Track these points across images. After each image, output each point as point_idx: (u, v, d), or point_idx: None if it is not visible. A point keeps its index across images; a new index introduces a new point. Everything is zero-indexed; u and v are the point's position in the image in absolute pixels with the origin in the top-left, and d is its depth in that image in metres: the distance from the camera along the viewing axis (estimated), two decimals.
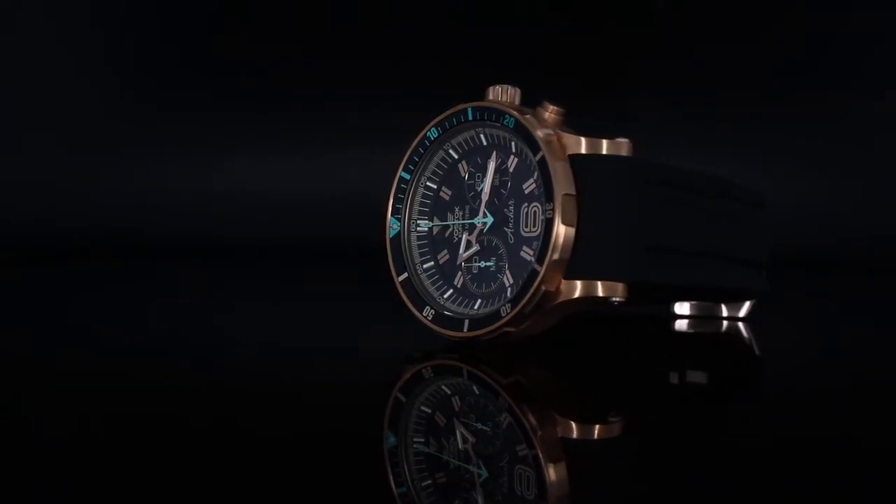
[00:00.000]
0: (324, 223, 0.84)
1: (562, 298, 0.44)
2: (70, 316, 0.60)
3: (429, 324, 0.47)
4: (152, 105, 0.87)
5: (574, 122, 0.45)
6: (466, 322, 0.46)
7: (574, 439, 0.37)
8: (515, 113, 0.45)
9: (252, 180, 0.85)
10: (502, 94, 0.46)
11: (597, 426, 0.38)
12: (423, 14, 0.86)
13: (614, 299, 0.43)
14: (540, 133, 0.44)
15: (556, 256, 0.43)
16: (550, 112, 0.45)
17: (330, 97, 0.87)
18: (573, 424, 0.38)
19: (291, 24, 0.87)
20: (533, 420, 0.39)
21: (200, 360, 0.49)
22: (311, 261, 0.81)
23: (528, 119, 0.45)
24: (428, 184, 0.49)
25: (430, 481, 0.32)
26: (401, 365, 0.46)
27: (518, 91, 0.46)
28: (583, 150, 0.44)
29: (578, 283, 0.43)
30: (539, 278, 0.43)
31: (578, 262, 0.43)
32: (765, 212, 0.53)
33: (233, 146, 0.86)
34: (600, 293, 0.43)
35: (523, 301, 0.43)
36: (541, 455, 0.34)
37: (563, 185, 0.43)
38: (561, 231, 0.43)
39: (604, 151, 0.44)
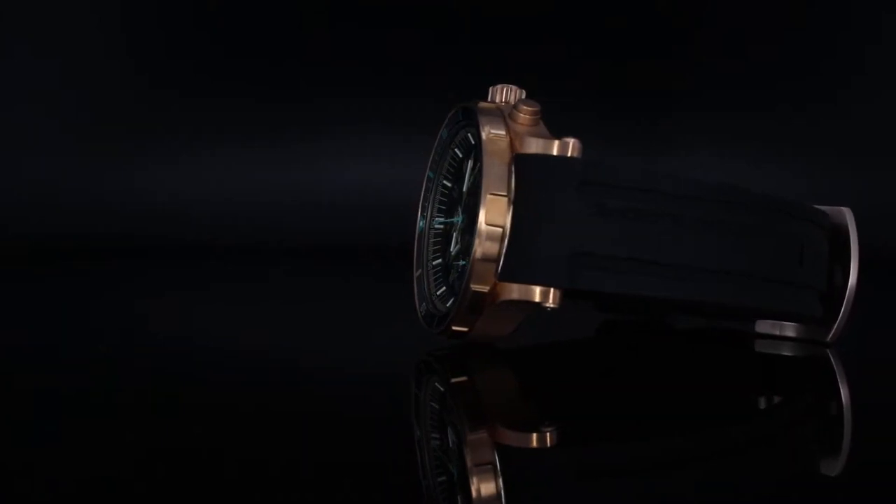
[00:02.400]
0: (325, 225, 0.84)
1: (499, 300, 0.43)
2: (65, 317, 0.59)
3: (421, 319, 0.48)
4: (151, 105, 0.87)
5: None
6: (436, 319, 0.46)
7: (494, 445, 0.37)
8: (477, 114, 0.45)
9: (250, 181, 0.85)
10: (499, 94, 0.46)
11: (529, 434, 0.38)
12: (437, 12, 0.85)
13: (545, 305, 0.42)
14: (484, 134, 0.44)
15: (478, 256, 0.43)
16: (523, 112, 0.44)
17: (334, 97, 0.86)
18: (501, 430, 0.39)
19: (290, 25, 0.86)
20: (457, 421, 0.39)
21: (191, 360, 0.49)
22: (313, 262, 0.81)
23: (483, 119, 0.45)
24: (444, 182, 0.49)
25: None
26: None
27: (516, 90, 0.46)
28: (530, 150, 0.43)
29: (507, 286, 0.43)
30: (466, 278, 0.43)
31: (511, 264, 0.43)
32: (824, 231, 0.49)
33: (231, 147, 0.86)
34: (526, 297, 0.43)
35: (458, 300, 0.44)
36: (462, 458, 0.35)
37: (492, 184, 0.43)
38: (483, 231, 0.43)
39: (544, 151, 0.43)
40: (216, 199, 0.84)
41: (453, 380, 0.46)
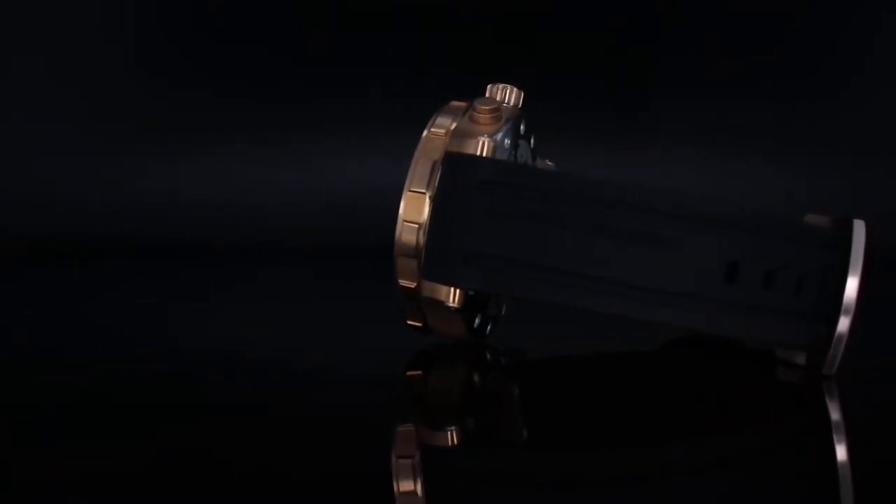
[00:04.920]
0: (325, 225, 0.84)
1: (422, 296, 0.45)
2: (65, 317, 0.59)
3: None
4: (151, 105, 0.86)
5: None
6: None
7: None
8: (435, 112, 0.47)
9: (250, 181, 0.85)
10: (488, 93, 0.47)
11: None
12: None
13: (447, 304, 0.43)
14: (425, 131, 0.45)
15: (399, 251, 0.44)
16: (478, 111, 0.45)
17: (334, 97, 0.86)
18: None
19: (290, 25, 0.86)
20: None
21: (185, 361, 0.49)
22: (313, 262, 0.81)
23: (435, 117, 0.46)
24: None
25: None
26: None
27: (509, 89, 0.47)
28: (455, 149, 0.44)
29: (425, 283, 0.44)
30: (396, 273, 0.45)
31: (426, 261, 0.44)
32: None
33: (231, 146, 0.86)
34: (433, 295, 0.44)
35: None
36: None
37: (413, 181, 0.45)
38: (400, 226, 0.44)
39: (461, 150, 0.44)
40: (216, 199, 0.84)
41: (408, 373, 0.47)
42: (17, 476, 0.34)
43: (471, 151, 0.44)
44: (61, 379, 0.45)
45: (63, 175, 0.84)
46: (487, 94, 0.47)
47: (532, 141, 0.49)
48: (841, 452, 0.39)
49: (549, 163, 0.52)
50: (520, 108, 0.48)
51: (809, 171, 0.84)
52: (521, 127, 0.48)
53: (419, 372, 0.48)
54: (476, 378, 0.48)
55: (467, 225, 0.43)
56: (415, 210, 0.44)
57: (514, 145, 0.47)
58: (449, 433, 0.40)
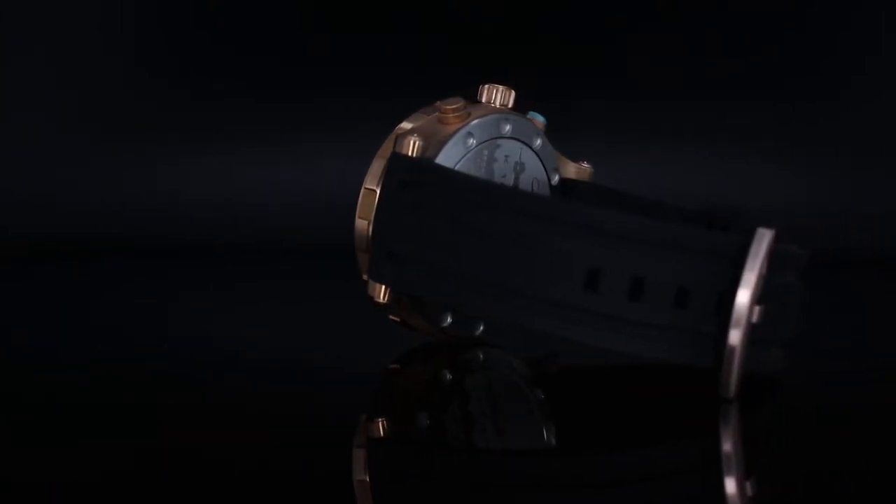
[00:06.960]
0: (325, 224, 0.83)
1: None
2: (65, 317, 0.59)
3: None
4: (151, 105, 0.87)
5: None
6: None
7: None
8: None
9: (250, 181, 0.85)
10: (483, 94, 0.47)
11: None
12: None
13: (376, 300, 0.44)
14: (396, 127, 0.47)
15: (356, 246, 0.46)
16: (443, 111, 0.46)
17: (334, 97, 0.86)
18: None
19: (290, 25, 0.86)
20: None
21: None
22: (313, 262, 0.81)
23: (409, 117, 0.47)
24: None
25: None
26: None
27: (497, 89, 0.47)
28: (397, 149, 0.45)
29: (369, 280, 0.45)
30: (360, 268, 0.46)
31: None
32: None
33: (231, 146, 0.86)
34: (369, 291, 0.45)
35: None
36: None
37: (367, 179, 0.46)
38: (356, 224, 0.46)
39: (398, 149, 0.45)
40: (216, 199, 0.84)
41: (391, 366, 0.48)
42: (17, 476, 0.34)
43: (404, 151, 0.44)
44: (61, 379, 0.45)
45: (63, 175, 0.84)
46: (479, 94, 0.47)
47: (539, 142, 0.49)
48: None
49: (585, 164, 0.51)
50: (509, 108, 0.47)
51: (809, 171, 0.84)
52: (508, 127, 0.47)
53: (397, 366, 0.49)
54: (448, 375, 0.48)
55: (390, 224, 0.44)
56: (366, 207, 0.45)
57: (493, 146, 0.47)
58: (380, 423, 0.41)
